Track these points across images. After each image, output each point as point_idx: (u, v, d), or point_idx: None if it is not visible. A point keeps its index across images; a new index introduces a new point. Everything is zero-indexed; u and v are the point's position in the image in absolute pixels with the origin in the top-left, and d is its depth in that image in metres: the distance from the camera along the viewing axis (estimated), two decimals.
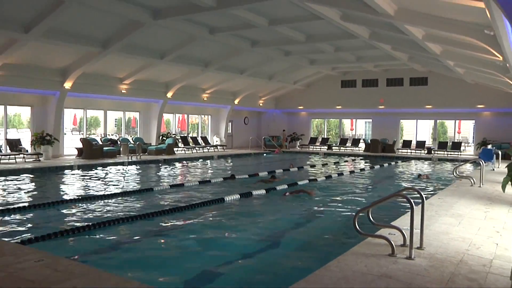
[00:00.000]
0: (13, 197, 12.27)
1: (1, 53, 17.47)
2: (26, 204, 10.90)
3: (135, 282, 4.90)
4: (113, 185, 15.08)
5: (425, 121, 34.78)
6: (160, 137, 27.66)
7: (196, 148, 28.92)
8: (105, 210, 10.65)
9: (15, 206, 10.63)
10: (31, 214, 10.09)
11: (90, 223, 8.92)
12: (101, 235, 8.39)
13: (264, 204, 11.93)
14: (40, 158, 20.27)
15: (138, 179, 17.03)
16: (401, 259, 5.88)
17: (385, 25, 14.94)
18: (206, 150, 29.60)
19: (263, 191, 13.38)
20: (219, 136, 33.29)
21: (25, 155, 20.03)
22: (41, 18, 15.42)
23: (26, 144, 21.53)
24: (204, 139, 31.27)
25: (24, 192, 13.38)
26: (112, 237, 8.36)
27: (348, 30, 17.20)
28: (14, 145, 20.58)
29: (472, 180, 14.12)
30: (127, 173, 18.53)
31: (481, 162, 14.73)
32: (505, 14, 6.09)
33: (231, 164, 23.88)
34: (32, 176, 16.58)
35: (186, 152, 27.84)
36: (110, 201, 11.84)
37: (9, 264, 5.42)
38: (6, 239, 7.42)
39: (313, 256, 7.42)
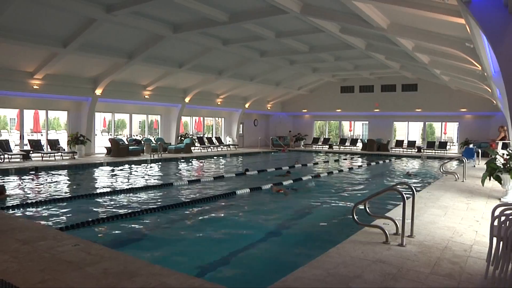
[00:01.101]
0: (53, 189, 12.43)
1: (44, 65, 17.90)
2: (64, 196, 11.05)
3: (157, 266, 4.98)
4: (138, 180, 15.20)
5: (415, 123, 34.63)
6: (179, 137, 27.74)
7: (211, 147, 29.02)
8: (130, 202, 10.75)
9: (55, 197, 10.78)
10: (69, 205, 10.22)
11: (118, 213, 9.04)
12: (127, 224, 8.48)
13: (272, 197, 11.96)
14: (75, 156, 20.45)
15: (160, 175, 17.12)
16: (393, 246, 5.93)
17: (379, 37, 14.94)
18: (220, 149, 29.65)
19: (271, 185, 13.45)
20: (231, 136, 33.33)
21: (62, 154, 20.23)
22: (77, 34, 15.71)
23: (63, 143, 21.76)
24: (218, 139, 31.31)
25: (62, 186, 13.56)
26: (137, 226, 8.44)
27: (346, 42, 17.21)
28: (53, 144, 20.86)
29: (456, 176, 14.09)
30: (150, 169, 18.65)
31: (464, 160, 14.70)
32: (482, 30, 6.13)
33: (242, 161, 23.92)
34: (68, 171, 16.78)
35: (202, 151, 27.94)
36: (135, 194, 11.93)
37: (52, 247, 5.56)
38: (49, 226, 7.55)
39: (315, 244, 7.46)
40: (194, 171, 18.70)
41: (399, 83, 30.71)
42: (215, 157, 25.01)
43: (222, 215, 9.73)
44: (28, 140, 20.84)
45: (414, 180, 15.67)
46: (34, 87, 18.65)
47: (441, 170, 15.24)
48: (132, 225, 8.45)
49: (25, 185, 13.31)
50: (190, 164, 21.51)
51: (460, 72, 16.76)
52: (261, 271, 6.14)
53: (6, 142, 19.37)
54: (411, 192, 6.67)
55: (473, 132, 28.84)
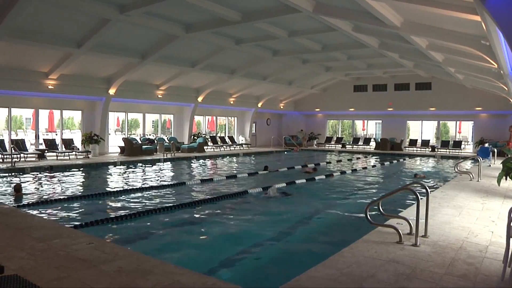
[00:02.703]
0: (68, 188, 12.58)
1: (59, 65, 18.10)
2: (78, 195, 11.17)
3: (170, 265, 5.00)
4: (151, 179, 15.29)
5: (429, 122, 34.28)
6: (192, 136, 27.83)
7: (224, 146, 29.07)
8: (144, 201, 10.81)
9: (70, 196, 10.91)
10: (83, 203, 10.34)
11: (131, 212, 9.11)
12: (140, 223, 8.56)
13: (285, 196, 11.94)
14: (89, 155, 20.65)
15: (173, 174, 17.19)
16: (407, 246, 5.88)
17: (393, 35, 14.81)
18: (233, 148, 29.67)
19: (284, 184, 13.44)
20: (244, 135, 33.34)
21: (76, 153, 20.43)
22: (90, 34, 15.84)
23: (78, 143, 21.98)
24: (231, 138, 31.34)
25: (77, 185, 13.71)
26: (150, 225, 8.51)
27: (359, 40, 17.07)
28: (68, 144, 21.09)
29: (471, 175, 13.92)
30: (163, 168, 18.74)
31: (479, 159, 14.51)
32: (498, 27, 6.05)
33: (256, 160, 23.93)
34: (82, 170, 16.95)
35: (215, 150, 28.00)
36: (148, 193, 12.01)
37: (67, 245, 5.63)
38: (63, 224, 7.64)
39: (328, 243, 7.43)
40: (207, 170, 18.75)
41: (413, 81, 30.42)
42: (228, 156, 25.03)
43: (235, 214, 9.74)
44: (43, 139, 21.15)
45: (427, 180, 15.51)
46: (49, 87, 18.87)
47: (456, 170, 15.06)
48: (146, 224, 8.52)
49: (41, 184, 13.50)
50: (203, 163, 21.57)
51: (475, 70, 16.55)
52: (274, 270, 6.14)
53: (22, 141, 19.66)
54: (425, 192, 6.61)
55: (488, 131, 28.45)
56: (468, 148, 32.04)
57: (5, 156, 17.44)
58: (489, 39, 9.08)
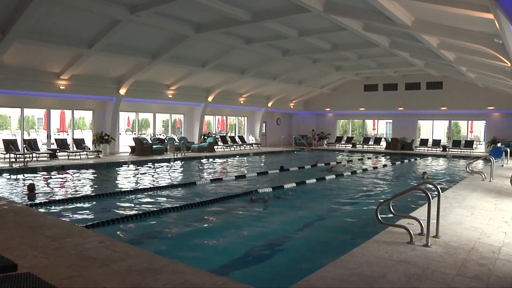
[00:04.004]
0: (79, 188, 12.68)
1: (70, 66, 18.24)
2: (89, 194, 11.26)
3: (180, 264, 5.02)
4: (162, 178, 15.35)
5: (440, 122, 34.01)
6: (202, 136, 27.87)
7: (234, 146, 29.09)
8: (154, 201, 10.87)
9: (81, 195, 10.99)
10: (94, 203, 10.42)
11: (142, 212, 9.15)
12: (151, 222, 8.60)
13: (295, 196, 11.92)
14: (99, 155, 20.79)
15: (183, 173, 17.24)
16: (418, 246, 5.84)
17: (403, 34, 14.70)
18: (243, 148, 29.68)
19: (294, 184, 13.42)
20: (254, 135, 33.32)
21: (87, 152, 20.57)
22: (101, 35, 15.95)
23: (89, 143, 22.15)
24: (241, 138, 31.35)
25: (88, 184, 13.82)
26: (160, 224, 8.55)
27: (370, 40, 16.98)
28: (79, 143, 21.26)
29: (483, 175, 13.76)
30: (173, 168, 18.80)
31: (491, 159, 14.34)
32: None
33: (266, 160, 23.90)
34: (93, 170, 17.06)
35: (225, 149, 28.03)
36: (158, 192, 12.06)
37: (78, 244, 5.68)
38: (75, 223, 7.70)
39: (339, 243, 7.41)
40: (217, 170, 18.77)
41: (424, 81, 30.21)
42: (238, 156, 25.02)
43: (245, 213, 9.74)
44: (55, 139, 21.35)
45: (438, 181, 15.38)
46: (61, 87, 19.05)
47: (468, 170, 14.90)
48: (156, 223, 8.56)
49: (52, 183, 13.62)
50: (213, 163, 21.59)
51: (488, 69, 16.38)
52: (285, 270, 6.13)
53: (34, 141, 19.88)
54: (436, 192, 6.55)
55: (501, 131, 28.12)
56: (480, 148, 31.72)
57: (17, 156, 17.62)
58: (502, 37, 8.99)
